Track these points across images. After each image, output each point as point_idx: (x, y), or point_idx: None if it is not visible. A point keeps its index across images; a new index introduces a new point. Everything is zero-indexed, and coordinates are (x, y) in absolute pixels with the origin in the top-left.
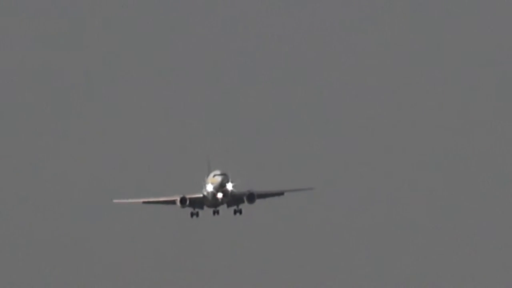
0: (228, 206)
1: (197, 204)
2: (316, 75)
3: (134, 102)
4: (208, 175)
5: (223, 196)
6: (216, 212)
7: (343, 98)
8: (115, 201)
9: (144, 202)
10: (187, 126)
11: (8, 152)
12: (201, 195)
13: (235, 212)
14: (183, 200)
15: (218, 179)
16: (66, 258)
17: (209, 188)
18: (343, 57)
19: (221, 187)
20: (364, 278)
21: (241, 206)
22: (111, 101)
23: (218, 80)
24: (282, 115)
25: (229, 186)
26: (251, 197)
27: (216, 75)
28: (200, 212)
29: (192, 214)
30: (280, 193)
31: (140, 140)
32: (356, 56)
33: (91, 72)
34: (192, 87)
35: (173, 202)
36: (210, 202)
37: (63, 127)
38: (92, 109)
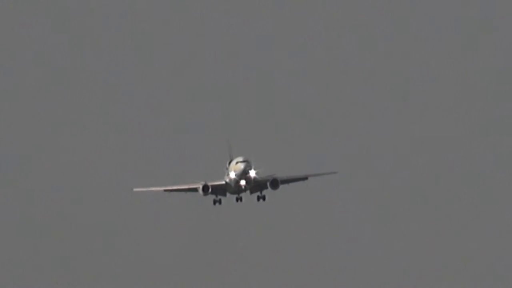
0: (251, 192)
1: (220, 191)
2: (338, 58)
3: (154, 89)
4: (230, 161)
5: (246, 183)
6: (239, 199)
7: (367, 81)
8: (135, 189)
9: (165, 190)
10: (207, 113)
11: (31, 142)
12: (224, 182)
13: (258, 198)
14: (205, 188)
15: (241, 166)
16: (87, 247)
17: (232, 175)
18: (363, 39)
19: (244, 174)
20: (390, 263)
21: (264, 193)
22: (131, 89)
23: (238, 65)
24: (305, 99)
25: (252, 173)
26: (275, 183)
27: (236, 59)
28: (223, 199)
29: (214, 202)
30: (304, 178)
31: (160, 128)
32: (378, 37)
33: (110, 61)
34: (211, 73)
35: (195, 189)
36: (233, 189)
37: (84, 116)
38: (112, 97)
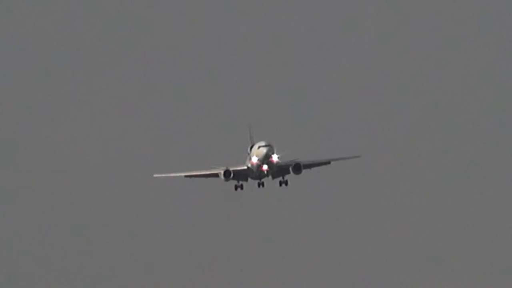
0: (273, 177)
1: (241, 176)
2: (360, 41)
3: (176, 74)
4: (251, 146)
5: (269, 167)
6: (261, 184)
7: (390, 64)
8: (155, 175)
9: (186, 176)
10: (228, 97)
11: (52, 128)
12: (245, 167)
13: (280, 183)
14: (227, 173)
15: (263, 150)
16: (107, 233)
17: (254, 160)
18: (384, 21)
19: (266, 158)
20: (415, 246)
21: (286, 177)
22: (152, 74)
23: (259, 49)
24: (327, 83)
25: (275, 157)
26: (297, 168)
27: (257, 43)
28: (245, 184)
29: (236, 187)
30: (327, 162)
31: (181, 113)
32: (400, 18)
33: (132, 43)
34: (232, 56)
35: (216, 175)
36: (255, 174)
37: (105, 101)
38: (133, 82)
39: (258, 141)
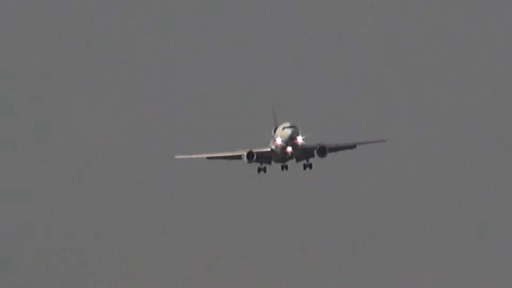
0: (298, 160)
1: (265, 159)
2: (389, 24)
3: (199, 55)
4: (275, 128)
5: (293, 149)
6: (284, 167)
7: (416, 48)
8: (177, 157)
9: (208, 158)
10: (253, 79)
11: (75, 109)
12: (269, 149)
13: (304, 166)
14: (250, 155)
15: (288, 131)
16: (129, 214)
17: (278, 141)
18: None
19: (291, 140)
20: (440, 232)
21: (311, 161)
22: (175, 55)
23: (286, 30)
24: (354, 65)
25: (299, 139)
26: (322, 150)
27: (285, 25)
28: (268, 167)
29: (259, 170)
30: (352, 146)
31: (204, 94)
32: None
33: (159, 24)
34: (258, 38)
35: (239, 157)
36: (279, 156)
37: (128, 81)
38: (155, 63)
39: (282, 122)
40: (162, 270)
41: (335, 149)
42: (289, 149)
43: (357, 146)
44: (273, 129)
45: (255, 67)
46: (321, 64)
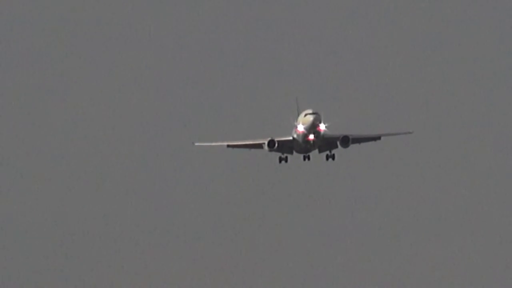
0: (320, 151)
1: (286, 148)
2: (414, 18)
3: (222, 44)
4: (297, 117)
5: (315, 137)
6: (306, 158)
7: (446, 41)
8: (196, 144)
9: (228, 146)
10: (277, 67)
11: (94, 97)
12: (291, 138)
13: (327, 157)
14: (271, 143)
15: (310, 118)
16: (146, 201)
17: (300, 128)
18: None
19: (313, 127)
20: (467, 227)
21: (334, 151)
22: (197, 43)
23: (310, 21)
24: (384, 55)
25: (322, 127)
26: (345, 140)
27: (309, 15)
28: (289, 157)
29: (280, 159)
30: (377, 138)
31: (225, 81)
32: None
33: (176, 15)
34: (282, 27)
35: (260, 146)
36: (301, 145)
37: (150, 67)
38: (178, 51)
39: (305, 109)
40: (176, 263)
41: (358, 140)
42: (311, 136)
43: (382, 138)
44: (295, 118)
45: (280, 54)
46: (347, 52)
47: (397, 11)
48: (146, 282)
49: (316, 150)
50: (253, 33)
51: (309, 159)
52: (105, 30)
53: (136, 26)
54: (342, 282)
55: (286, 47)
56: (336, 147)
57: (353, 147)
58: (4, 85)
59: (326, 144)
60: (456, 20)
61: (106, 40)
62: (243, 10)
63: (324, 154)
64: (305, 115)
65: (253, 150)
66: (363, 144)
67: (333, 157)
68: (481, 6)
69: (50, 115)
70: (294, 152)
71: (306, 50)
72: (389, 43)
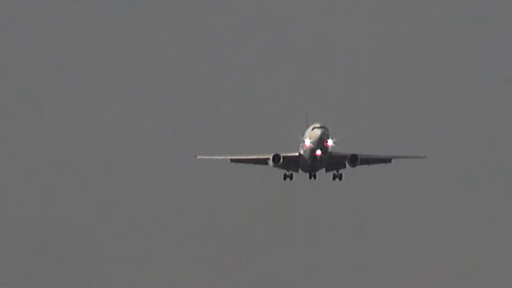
0: (327, 170)
1: (292, 164)
2: (432, 39)
3: (227, 55)
4: (305, 132)
5: (322, 153)
6: (312, 176)
7: (465, 68)
8: (198, 157)
9: (232, 160)
10: (287, 80)
11: (93, 105)
12: (297, 154)
13: (334, 177)
14: (276, 158)
15: (318, 132)
16: (146, 213)
17: (307, 142)
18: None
19: (320, 142)
20: (480, 253)
21: (341, 171)
22: (201, 53)
23: (323, 34)
24: (399, 74)
25: (330, 142)
26: (354, 159)
27: (321, 28)
28: (295, 175)
29: (285, 176)
30: (387, 160)
31: (231, 94)
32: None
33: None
34: (294, 40)
35: (265, 161)
36: (307, 162)
37: (154, 76)
38: (183, 61)
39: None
40: (171, 272)
41: (368, 161)
42: (318, 152)
43: (393, 160)
44: (302, 135)
45: (292, 69)
46: (363, 71)
47: (416, 32)
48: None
49: (323, 170)
50: (265, 44)
51: (315, 177)
52: (106, 42)
53: (141, 37)
54: None
55: (299, 63)
56: (344, 166)
57: (362, 168)
58: (4, 85)
59: (334, 162)
60: (477, 46)
61: (107, 50)
62: (254, 21)
63: (331, 174)
64: (313, 128)
65: (257, 165)
66: (372, 166)
67: (340, 177)
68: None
69: (52, 133)
70: (300, 170)
71: (320, 66)
72: (409, 65)
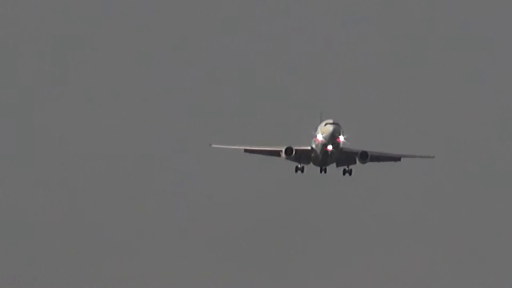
0: (338, 165)
1: (304, 157)
2: (440, 39)
3: (246, 48)
4: (318, 127)
5: (333, 148)
6: (323, 170)
7: (478, 65)
8: (213, 145)
9: (246, 151)
10: (303, 76)
11: (109, 93)
12: (309, 148)
13: (344, 172)
14: (288, 150)
15: (330, 128)
16: (160, 197)
17: (319, 137)
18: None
19: (332, 138)
20: (488, 253)
21: (351, 167)
22: (218, 46)
23: (343, 28)
24: (413, 73)
25: (341, 138)
26: (364, 156)
27: (337, 24)
28: (306, 168)
29: (297, 169)
30: (397, 158)
31: (249, 86)
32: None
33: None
34: (311, 36)
35: (278, 153)
36: (318, 156)
37: (167, 69)
38: (203, 53)
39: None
40: (183, 265)
41: (378, 158)
42: (330, 147)
43: (402, 159)
44: (315, 129)
45: (309, 67)
46: (378, 71)
47: (429, 30)
48: (156, 281)
49: (334, 165)
50: (283, 40)
51: (325, 172)
52: (125, 26)
53: (160, 23)
54: None
55: (316, 59)
56: (355, 162)
57: (371, 165)
58: (4, 86)
59: (345, 158)
60: (492, 45)
61: (125, 36)
62: (273, 15)
63: (341, 169)
64: (325, 124)
65: (270, 157)
66: (382, 163)
67: (350, 172)
68: None
69: (67, 120)
70: (311, 164)
71: (336, 63)
72: (423, 65)
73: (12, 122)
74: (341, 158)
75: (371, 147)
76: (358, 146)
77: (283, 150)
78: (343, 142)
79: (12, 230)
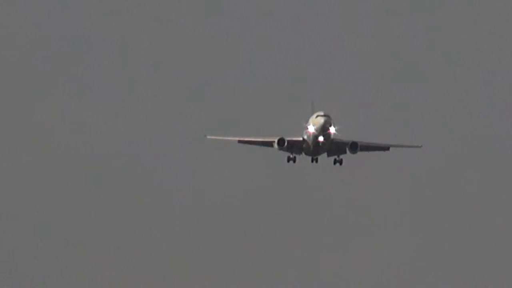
0: (329, 155)
1: (296, 148)
2: (433, 28)
3: (240, 40)
4: (309, 119)
5: (324, 139)
6: (314, 160)
7: (464, 55)
8: (208, 137)
9: (239, 141)
10: (294, 68)
11: (106, 90)
12: (301, 139)
13: (335, 162)
14: (281, 141)
15: (321, 120)
16: (156, 190)
17: (311, 129)
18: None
19: (323, 129)
20: (473, 244)
21: (342, 157)
22: (214, 38)
23: (334, 21)
24: (400, 66)
25: (332, 130)
26: (354, 146)
27: (330, 19)
28: (298, 158)
29: (289, 159)
30: (386, 148)
31: (242, 78)
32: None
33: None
34: (305, 29)
35: (270, 144)
36: (310, 147)
37: (162, 61)
38: (197, 47)
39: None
40: (178, 259)
41: (367, 148)
42: (321, 138)
43: (391, 149)
44: (306, 121)
45: (300, 58)
46: (367, 62)
47: (418, 23)
48: (154, 276)
49: (325, 154)
50: (275, 32)
51: (317, 161)
52: (123, 22)
53: (153, 20)
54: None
55: (307, 52)
56: (345, 152)
57: (361, 154)
58: (5, 86)
59: (335, 148)
60: (479, 36)
61: (121, 31)
62: (266, 9)
63: (332, 159)
64: (317, 116)
65: (263, 147)
66: (371, 153)
67: (340, 162)
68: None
69: (62, 112)
70: (303, 154)
71: (327, 56)
72: (410, 57)
73: (12, 122)
74: (332, 148)
75: (361, 138)
76: (348, 136)
77: (276, 141)
78: (334, 133)
79: (12, 230)
